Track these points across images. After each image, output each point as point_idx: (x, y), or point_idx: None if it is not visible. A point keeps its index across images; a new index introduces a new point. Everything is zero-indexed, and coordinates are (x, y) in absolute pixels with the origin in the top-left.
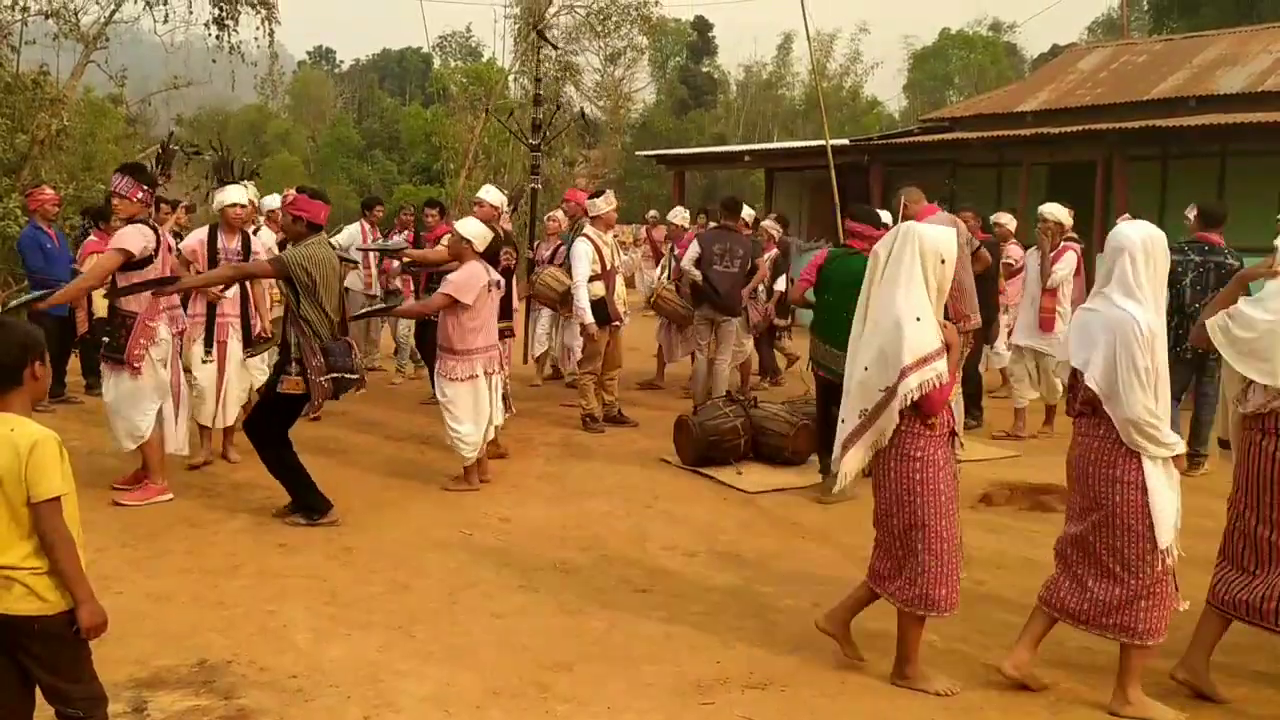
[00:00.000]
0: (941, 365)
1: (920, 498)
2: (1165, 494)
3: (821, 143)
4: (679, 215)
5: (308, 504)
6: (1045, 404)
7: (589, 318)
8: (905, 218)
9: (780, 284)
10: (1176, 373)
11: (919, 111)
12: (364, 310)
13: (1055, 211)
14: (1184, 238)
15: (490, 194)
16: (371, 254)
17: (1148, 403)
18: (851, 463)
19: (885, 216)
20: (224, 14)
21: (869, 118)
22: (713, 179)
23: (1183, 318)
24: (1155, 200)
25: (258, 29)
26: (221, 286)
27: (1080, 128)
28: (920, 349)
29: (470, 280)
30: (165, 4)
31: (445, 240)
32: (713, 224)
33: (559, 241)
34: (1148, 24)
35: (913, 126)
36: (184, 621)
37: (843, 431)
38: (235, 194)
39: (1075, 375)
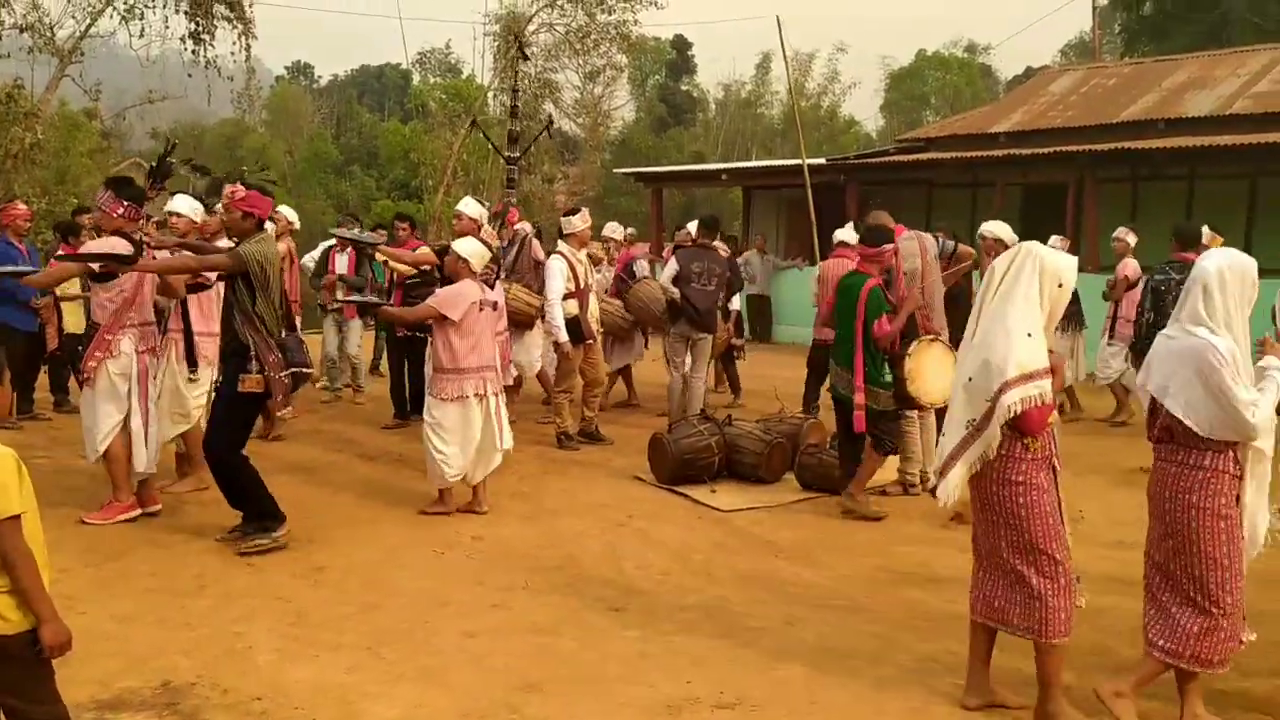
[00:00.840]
0: (1046, 385)
1: (1028, 523)
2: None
3: (798, 162)
4: (616, 230)
5: (265, 511)
6: None
7: (564, 335)
8: None
9: (735, 303)
10: None
11: (896, 131)
12: (349, 298)
13: (995, 229)
14: (1165, 258)
15: (469, 206)
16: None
17: (1251, 405)
18: (956, 477)
19: (850, 235)
20: (200, 29)
21: (846, 137)
22: (691, 197)
23: None
24: (1125, 221)
25: (234, 44)
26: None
27: (1052, 149)
28: (1027, 364)
29: (459, 296)
30: (141, 19)
31: (421, 252)
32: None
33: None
34: (1119, 47)
35: (889, 146)
36: (148, 642)
37: (946, 445)
38: (179, 203)
39: (1154, 401)
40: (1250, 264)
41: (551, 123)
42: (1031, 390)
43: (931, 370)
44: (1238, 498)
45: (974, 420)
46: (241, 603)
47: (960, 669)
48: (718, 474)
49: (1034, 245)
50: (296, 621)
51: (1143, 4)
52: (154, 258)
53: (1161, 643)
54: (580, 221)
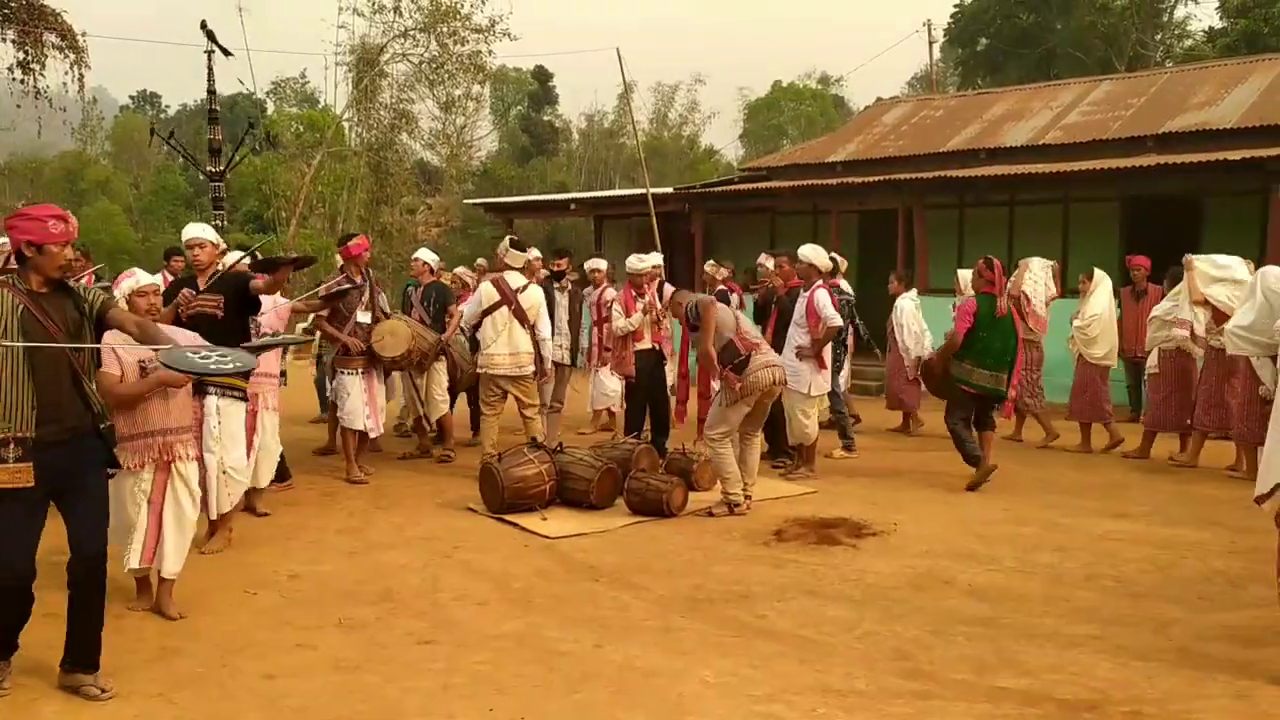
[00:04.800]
0: None
1: None
2: None
3: (643, 191)
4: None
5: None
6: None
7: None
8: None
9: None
10: None
11: (754, 160)
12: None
13: (807, 254)
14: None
15: (210, 232)
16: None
17: None
18: None
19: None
20: (29, 58)
21: (706, 165)
22: (554, 226)
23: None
24: (953, 245)
25: (66, 73)
26: None
27: (883, 177)
28: None
29: None
30: None
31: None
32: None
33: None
34: (958, 80)
35: (733, 176)
36: None
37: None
38: None
39: None
40: None
41: (252, 127)
42: None
43: None
44: None
45: None
46: (30, 653)
47: (761, 682)
48: (550, 502)
49: None
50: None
51: (977, 41)
52: None
53: None
54: (530, 255)
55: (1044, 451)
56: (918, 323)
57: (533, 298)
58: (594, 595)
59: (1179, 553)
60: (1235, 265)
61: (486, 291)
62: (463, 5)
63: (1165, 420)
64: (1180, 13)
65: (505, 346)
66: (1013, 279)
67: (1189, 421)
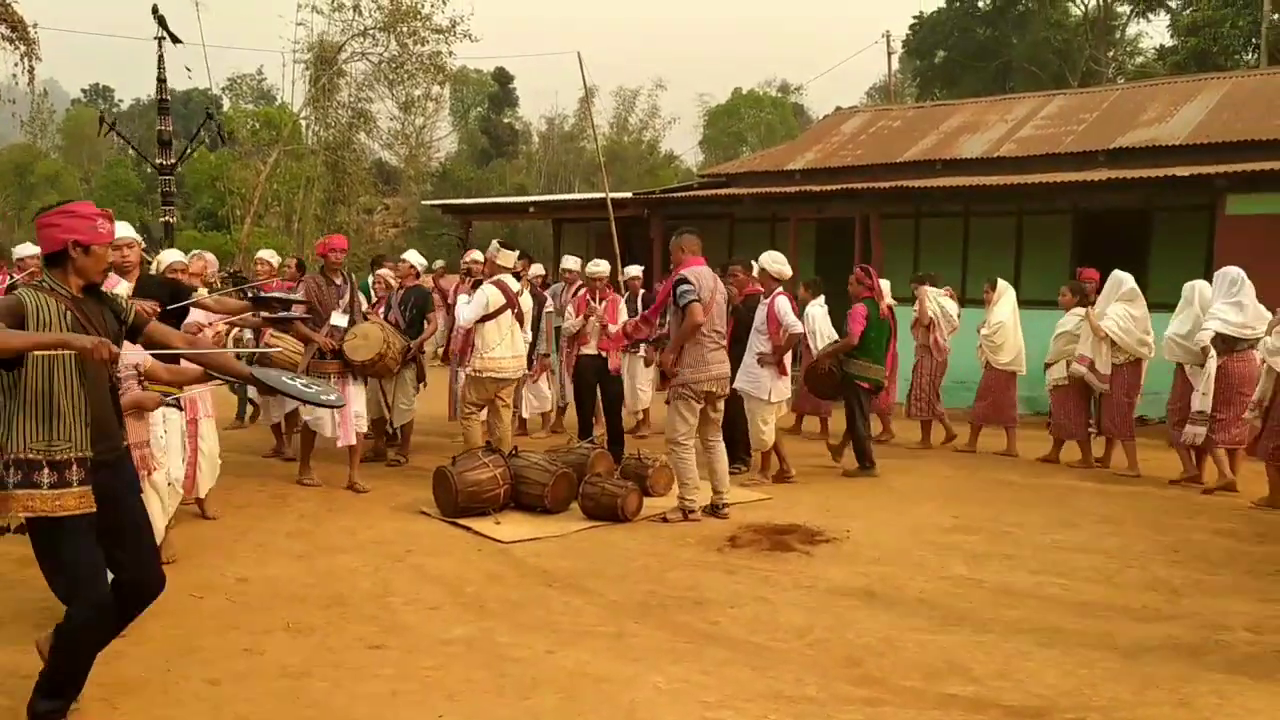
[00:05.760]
0: None
1: None
2: None
3: (602, 195)
4: (270, 255)
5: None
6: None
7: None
8: (674, 262)
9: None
10: None
11: (714, 165)
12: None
13: (765, 261)
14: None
15: (126, 231)
16: None
17: None
18: None
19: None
20: None
21: (666, 171)
22: (513, 229)
23: None
24: (909, 255)
25: (16, 65)
26: None
27: (841, 186)
28: None
29: None
30: None
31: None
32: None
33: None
34: (916, 91)
35: (692, 182)
36: None
37: None
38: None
39: None
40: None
41: (210, 117)
42: None
43: None
44: None
45: None
46: None
47: (712, 688)
48: (504, 505)
49: None
50: (30, 675)
51: (934, 53)
52: None
53: None
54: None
55: (995, 460)
56: (829, 326)
57: (528, 301)
58: (546, 600)
59: (1124, 561)
60: (1125, 277)
61: (492, 295)
62: (423, 5)
63: (1074, 429)
64: (1132, 30)
65: (509, 350)
66: (916, 309)
67: (1092, 428)
